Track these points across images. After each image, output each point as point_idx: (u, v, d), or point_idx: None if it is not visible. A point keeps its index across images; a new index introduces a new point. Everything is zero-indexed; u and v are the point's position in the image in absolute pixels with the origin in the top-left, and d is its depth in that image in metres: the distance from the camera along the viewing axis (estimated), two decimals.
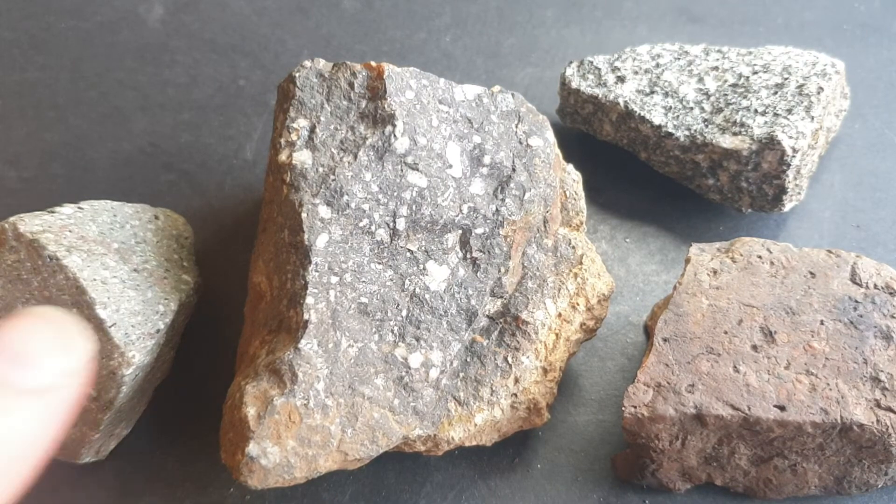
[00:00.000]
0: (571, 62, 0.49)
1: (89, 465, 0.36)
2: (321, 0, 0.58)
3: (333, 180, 0.33)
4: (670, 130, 0.44)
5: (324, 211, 0.33)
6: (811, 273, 0.36)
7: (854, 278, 0.36)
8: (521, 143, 0.36)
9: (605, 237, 0.46)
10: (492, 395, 0.34)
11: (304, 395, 0.30)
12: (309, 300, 0.32)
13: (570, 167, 0.39)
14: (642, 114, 0.45)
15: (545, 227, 0.36)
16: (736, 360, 0.34)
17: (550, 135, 0.37)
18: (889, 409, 0.32)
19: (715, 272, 0.37)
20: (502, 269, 0.34)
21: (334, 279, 0.32)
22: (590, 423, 0.39)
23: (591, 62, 0.48)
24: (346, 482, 0.36)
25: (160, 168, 0.48)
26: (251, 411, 0.30)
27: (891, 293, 0.35)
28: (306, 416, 0.30)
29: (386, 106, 0.34)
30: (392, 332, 0.33)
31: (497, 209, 0.35)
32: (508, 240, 0.35)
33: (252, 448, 0.29)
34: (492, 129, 0.36)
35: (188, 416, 0.38)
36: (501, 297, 0.35)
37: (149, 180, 0.48)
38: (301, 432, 0.30)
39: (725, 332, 0.34)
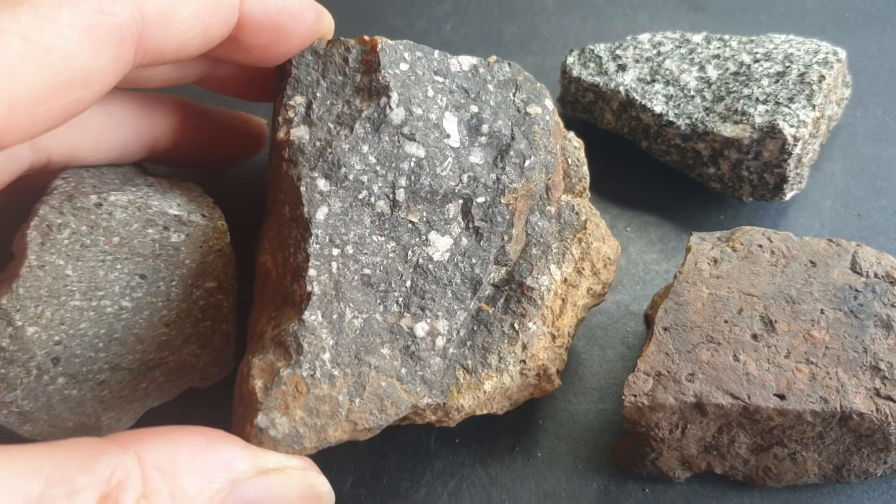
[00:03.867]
0: (572, 50, 0.48)
1: None
2: None
3: (331, 153, 0.33)
4: (671, 119, 0.44)
5: (322, 184, 0.33)
6: (812, 262, 0.36)
7: (854, 267, 0.36)
8: (519, 111, 0.36)
9: (606, 226, 0.46)
10: (500, 362, 0.34)
11: (310, 365, 0.31)
12: (311, 272, 0.32)
13: (572, 134, 0.39)
14: (643, 102, 0.45)
15: (547, 194, 0.36)
16: (736, 349, 0.34)
17: (549, 102, 0.37)
18: (889, 398, 0.32)
19: (715, 261, 0.37)
20: (505, 238, 0.35)
21: (336, 251, 0.33)
22: (590, 411, 0.39)
23: (592, 50, 0.48)
24: (347, 470, 0.37)
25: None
26: (258, 383, 0.30)
27: (891, 282, 0.35)
28: (313, 386, 0.30)
29: (380, 78, 0.34)
30: (397, 302, 0.33)
31: (497, 178, 0.35)
32: (510, 208, 0.35)
33: (261, 419, 0.30)
34: (489, 99, 0.36)
35: (189, 410, 0.38)
36: (505, 264, 0.35)
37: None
38: (309, 402, 0.30)
39: (726, 321, 0.35)
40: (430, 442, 0.38)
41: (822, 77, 0.43)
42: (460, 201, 0.34)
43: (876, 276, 0.36)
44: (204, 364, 0.36)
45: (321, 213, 0.33)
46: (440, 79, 0.35)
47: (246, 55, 0.33)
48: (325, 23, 0.35)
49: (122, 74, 0.27)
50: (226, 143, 0.40)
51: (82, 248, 0.33)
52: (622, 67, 0.46)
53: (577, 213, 0.37)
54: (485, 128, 0.35)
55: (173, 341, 0.35)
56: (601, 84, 0.46)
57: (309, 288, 0.32)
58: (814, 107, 0.42)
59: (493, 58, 0.37)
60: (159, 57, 0.29)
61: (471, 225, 0.34)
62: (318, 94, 0.34)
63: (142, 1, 0.26)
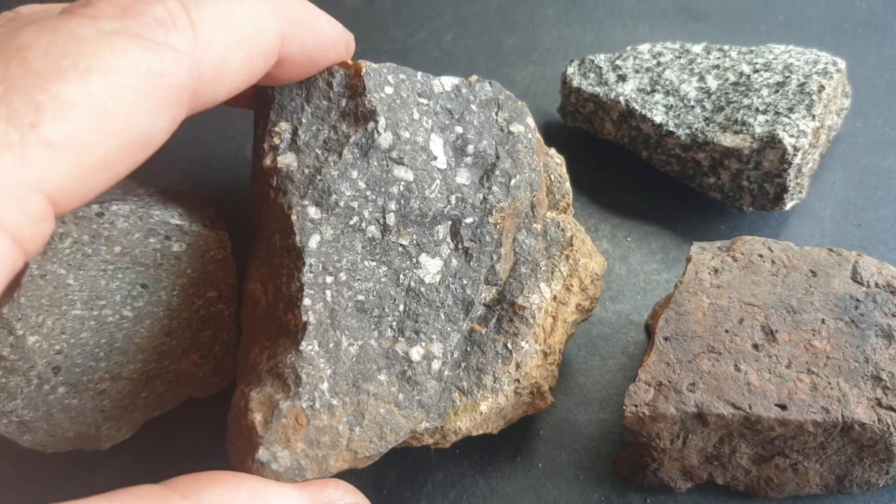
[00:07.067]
0: (572, 61, 0.49)
1: (90, 465, 0.36)
2: None
3: (320, 180, 0.33)
4: (671, 129, 0.44)
5: (313, 212, 0.33)
6: (812, 272, 0.36)
7: (855, 277, 0.36)
8: (502, 130, 0.36)
9: (607, 236, 0.46)
10: (495, 382, 0.34)
11: (309, 396, 0.30)
12: (306, 302, 0.32)
13: (553, 151, 0.39)
14: (643, 112, 0.45)
15: (533, 212, 0.36)
16: (737, 359, 0.34)
17: (531, 120, 0.37)
18: (890, 408, 0.32)
19: (716, 271, 0.37)
20: (494, 257, 0.35)
21: (329, 279, 0.32)
22: (591, 421, 0.39)
23: (592, 61, 0.48)
24: (348, 481, 0.36)
25: (161, 167, 0.48)
26: (258, 417, 0.30)
27: (892, 292, 0.35)
28: (313, 417, 0.30)
29: (366, 102, 0.34)
30: (391, 327, 0.33)
31: (484, 197, 0.35)
32: (498, 227, 0.35)
33: (262, 454, 0.29)
34: (472, 119, 0.36)
35: (189, 420, 0.38)
36: (496, 284, 0.35)
37: (149, 179, 0.48)
38: (309, 434, 0.30)
39: (726, 331, 0.34)
40: (431, 453, 0.37)
41: (822, 87, 0.43)
42: (449, 223, 0.34)
43: (877, 285, 0.36)
44: (204, 374, 0.36)
45: (314, 242, 0.32)
46: (424, 101, 0.35)
47: (269, 80, 0.33)
48: (351, 49, 0.35)
49: (175, 128, 0.28)
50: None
51: (84, 257, 0.33)
52: (622, 78, 0.47)
53: (562, 230, 0.37)
54: (470, 148, 0.35)
55: (174, 351, 0.35)
56: (601, 94, 0.46)
57: (304, 318, 0.31)
58: (814, 117, 0.42)
59: (473, 77, 0.37)
60: (208, 105, 0.29)
61: (460, 246, 0.34)
62: (304, 120, 0.34)
63: (199, 58, 0.27)
